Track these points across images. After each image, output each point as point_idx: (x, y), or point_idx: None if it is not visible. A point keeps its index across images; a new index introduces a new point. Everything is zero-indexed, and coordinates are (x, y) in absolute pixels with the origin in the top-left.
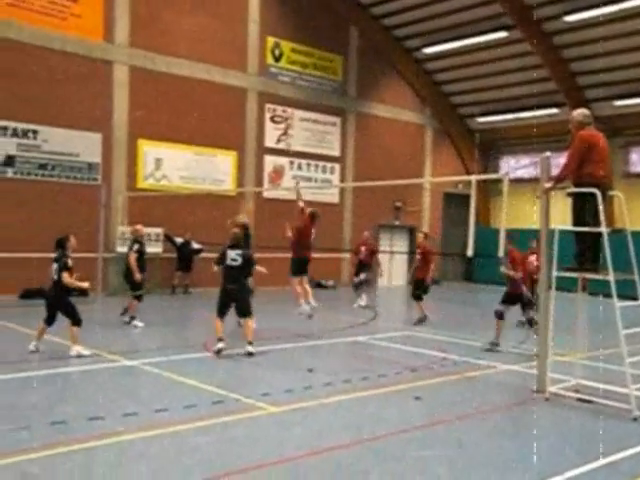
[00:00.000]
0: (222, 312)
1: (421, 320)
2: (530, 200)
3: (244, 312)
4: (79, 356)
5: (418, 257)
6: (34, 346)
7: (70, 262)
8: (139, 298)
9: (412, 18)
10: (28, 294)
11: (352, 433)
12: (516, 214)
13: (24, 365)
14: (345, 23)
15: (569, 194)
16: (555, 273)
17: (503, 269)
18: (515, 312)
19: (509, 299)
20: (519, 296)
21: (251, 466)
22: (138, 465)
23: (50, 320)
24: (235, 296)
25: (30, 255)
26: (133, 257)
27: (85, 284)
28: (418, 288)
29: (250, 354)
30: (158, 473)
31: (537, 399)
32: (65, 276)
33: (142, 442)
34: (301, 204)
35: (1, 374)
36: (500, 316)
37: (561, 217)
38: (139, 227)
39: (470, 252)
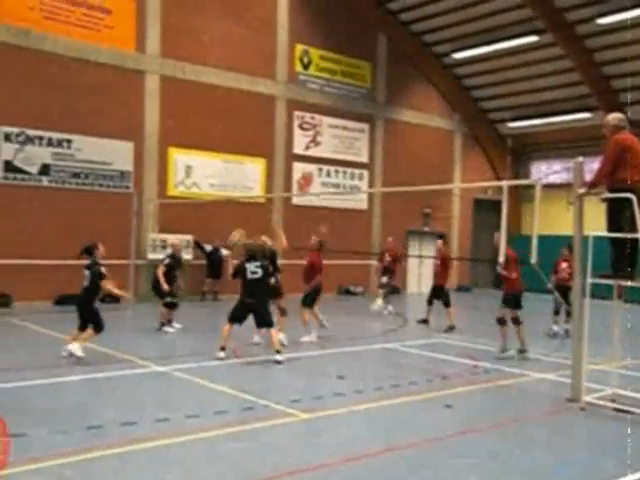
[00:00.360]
0: (236, 320)
1: (451, 328)
2: (562, 206)
3: (265, 323)
4: (70, 355)
5: (437, 263)
6: (66, 352)
7: (103, 269)
8: (170, 306)
9: (441, 24)
10: (62, 300)
11: (384, 441)
12: (548, 220)
13: (59, 370)
14: (373, 29)
15: (603, 200)
16: (590, 280)
17: (499, 269)
18: (546, 322)
19: (507, 301)
20: (517, 296)
21: (283, 473)
22: (171, 471)
23: (83, 326)
24: (254, 308)
25: (64, 262)
26: (161, 270)
27: (124, 293)
28: (438, 295)
29: (278, 362)
30: (191, 479)
31: (572, 409)
32: (104, 283)
33: (174, 448)
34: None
35: (38, 379)
36: (517, 322)
37: (595, 223)
38: (175, 242)
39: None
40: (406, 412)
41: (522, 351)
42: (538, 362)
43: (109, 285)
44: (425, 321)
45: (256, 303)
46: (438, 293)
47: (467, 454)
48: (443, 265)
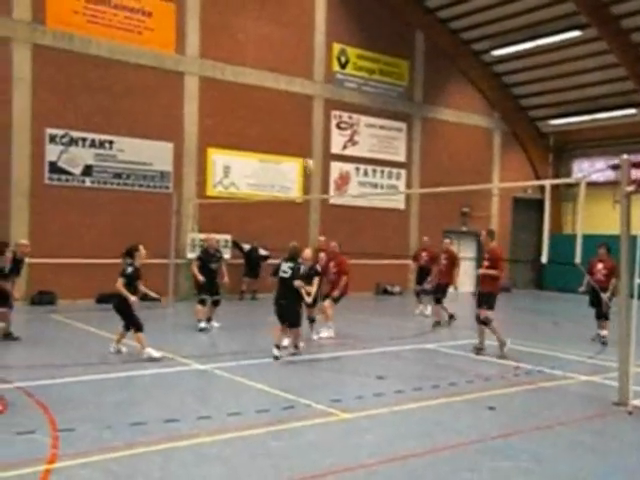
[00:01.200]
0: (280, 321)
1: (438, 323)
2: (605, 205)
3: (291, 324)
4: (151, 359)
5: (444, 262)
6: (114, 349)
7: (129, 270)
8: (202, 303)
9: (480, 20)
10: (103, 299)
11: (425, 441)
12: (590, 220)
13: (102, 367)
14: (411, 28)
15: None
16: (638, 281)
17: (481, 271)
18: (592, 326)
19: (489, 301)
20: (495, 297)
21: (324, 472)
22: (214, 468)
23: (127, 326)
24: (284, 309)
25: (106, 261)
26: (193, 264)
27: (132, 297)
28: (438, 292)
29: (295, 354)
30: (233, 476)
31: (619, 412)
32: (118, 282)
33: (217, 445)
34: (333, 245)
35: (82, 375)
36: (483, 322)
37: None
38: (208, 237)
39: (545, 259)
40: (447, 413)
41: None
42: (582, 364)
43: (118, 285)
44: (452, 317)
45: (285, 305)
46: (438, 289)
47: (510, 457)
48: (450, 264)
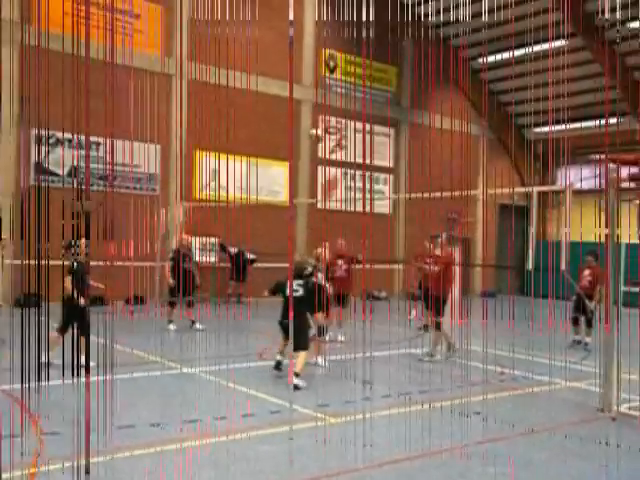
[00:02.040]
0: (285, 337)
1: (426, 328)
2: (590, 213)
3: (297, 345)
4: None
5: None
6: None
7: (75, 265)
8: (171, 304)
9: (468, 28)
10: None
11: (413, 446)
12: (575, 227)
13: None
14: (400, 34)
15: None
16: (623, 288)
17: (424, 266)
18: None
19: (431, 306)
20: (438, 300)
21: (313, 477)
22: (202, 472)
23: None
24: (294, 330)
25: (91, 263)
26: (167, 265)
27: (81, 300)
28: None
29: (296, 387)
30: None
31: (603, 418)
32: (66, 280)
33: (204, 449)
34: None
35: (68, 378)
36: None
37: (626, 230)
38: (182, 237)
39: (530, 265)
40: (435, 418)
41: (451, 349)
42: (567, 370)
43: (67, 283)
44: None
45: (295, 327)
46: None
47: (498, 462)
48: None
